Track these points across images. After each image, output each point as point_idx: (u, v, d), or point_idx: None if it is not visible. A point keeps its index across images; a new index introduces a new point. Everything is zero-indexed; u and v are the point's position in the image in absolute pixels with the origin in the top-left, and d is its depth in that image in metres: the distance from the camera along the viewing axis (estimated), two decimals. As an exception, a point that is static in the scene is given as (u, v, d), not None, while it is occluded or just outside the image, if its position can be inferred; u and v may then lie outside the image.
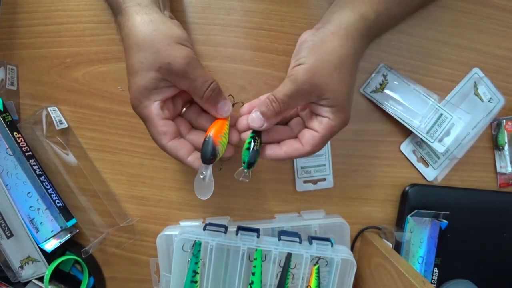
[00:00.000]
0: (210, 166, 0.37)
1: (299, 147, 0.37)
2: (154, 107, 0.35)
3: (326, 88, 0.34)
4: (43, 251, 0.44)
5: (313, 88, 0.34)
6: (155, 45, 0.33)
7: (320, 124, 0.36)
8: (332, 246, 0.42)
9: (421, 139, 0.46)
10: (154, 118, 0.35)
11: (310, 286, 0.42)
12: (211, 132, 0.36)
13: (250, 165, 0.37)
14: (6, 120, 0.42)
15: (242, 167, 0.37)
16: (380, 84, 0.46)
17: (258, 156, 0.37)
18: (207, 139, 0.36)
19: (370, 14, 0.36)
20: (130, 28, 0.34)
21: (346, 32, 0.35)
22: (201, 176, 0.37)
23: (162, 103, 0.36)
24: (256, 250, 0.41)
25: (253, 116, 0.36)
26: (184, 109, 0.40)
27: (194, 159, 0.37)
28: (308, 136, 0.36)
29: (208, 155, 0.36)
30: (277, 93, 0.35)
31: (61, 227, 0.45)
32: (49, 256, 0.44)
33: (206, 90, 0.35)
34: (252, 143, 0.37)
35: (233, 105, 0.39)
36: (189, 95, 0.37)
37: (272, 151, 0.38)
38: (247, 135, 0.38)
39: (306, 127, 0.38)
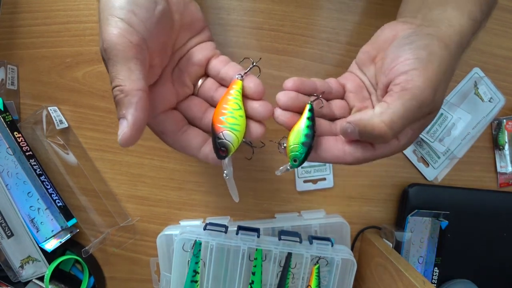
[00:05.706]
0: (227, 160, 0.29)
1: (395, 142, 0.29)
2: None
3: (438, 104, 0.28)
4: (43, 251, 0.44)
5: (433, 105, 0.27)
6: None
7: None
8: (332, 246, 0.42)
9: (421, 138, 0.46)
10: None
11: (310, 286, 0.42)
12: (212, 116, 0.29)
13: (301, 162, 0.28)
14: (7, 120, 0.42)
15: (289, 164, 0.29)
16: (380, 84, 0.46)
17: (312, 145, 0.28)
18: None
19: (477, 14, 0.29)
20: None
21: (459, 38, 0.28)
22: (224, 176, 0.30)
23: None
24: (256, 249, 0.41)
25: (348, 131, 0.27)
26: (199, 84, 0.32)
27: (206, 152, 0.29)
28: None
29: (215, 148, 0.28)
30: (388, 116, 0.25)
31: (61, 227, 0.45)
32: (49, 256, 0.44)
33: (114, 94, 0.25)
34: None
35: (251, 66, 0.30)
36: (197, 67, 0.30)
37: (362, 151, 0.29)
38: (285, 117, 0.28)
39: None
